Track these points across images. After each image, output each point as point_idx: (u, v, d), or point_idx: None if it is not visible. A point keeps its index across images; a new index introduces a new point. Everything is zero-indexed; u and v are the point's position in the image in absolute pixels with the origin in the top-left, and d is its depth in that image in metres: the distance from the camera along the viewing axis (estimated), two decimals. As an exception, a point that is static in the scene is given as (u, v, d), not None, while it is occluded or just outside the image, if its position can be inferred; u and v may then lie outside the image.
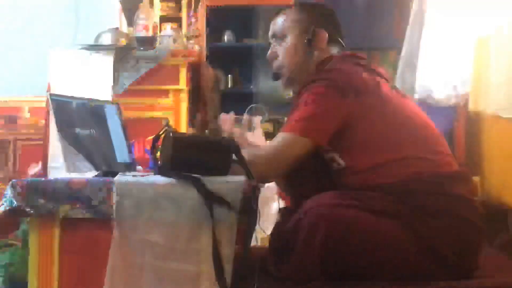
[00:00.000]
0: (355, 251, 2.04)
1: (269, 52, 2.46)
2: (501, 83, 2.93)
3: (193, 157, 2.01)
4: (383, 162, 2.16)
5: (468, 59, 3.35)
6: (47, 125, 3.89)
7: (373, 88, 2.22)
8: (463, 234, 2.10)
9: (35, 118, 4.93)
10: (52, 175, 3.46)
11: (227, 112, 4.74)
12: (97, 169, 2.29)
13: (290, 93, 7.07)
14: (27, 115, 5.03)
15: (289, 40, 2.41)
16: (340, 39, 2.44)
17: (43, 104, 4.18)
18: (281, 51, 2.43)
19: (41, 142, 4.04)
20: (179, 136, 2.05)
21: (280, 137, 2.20)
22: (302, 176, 2.27)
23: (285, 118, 4.22)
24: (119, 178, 2.06)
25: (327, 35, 2.40)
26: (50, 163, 3.79)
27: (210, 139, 2.09)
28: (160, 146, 2.11)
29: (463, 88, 3.34)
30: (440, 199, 2.11)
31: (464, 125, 3.58)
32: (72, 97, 2.43)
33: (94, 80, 3.87)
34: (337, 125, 2.18)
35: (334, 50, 2.42)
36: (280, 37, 2.43)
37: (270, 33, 2.47)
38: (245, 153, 2.10)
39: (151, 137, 2.45)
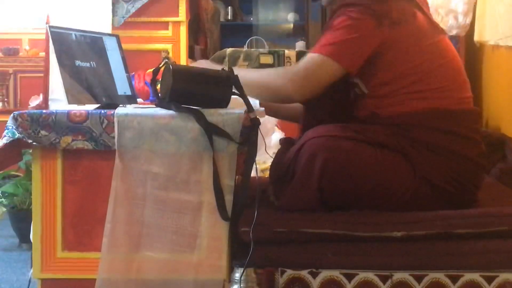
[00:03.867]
0: (352, 180, 2.07)
1: None
2: (503, 12, 2.91)
3: (193, 89, 2.02)
4: (398, 90, 2.14)
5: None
6: (47, 58, 3.87)
7: (409, 18, 2.17)
8: (464, 172, 2.13)
9: (35, 50, 4.90)
10: (53, 107, 3.46)
11: (228, 43, 4.71)
12: (97, 101, 2.30)
13: (290, 25, 7.01)
14: (27, 47, 5.01)
15: None
16: None
17: (43, 36, 4.15)
18: None
19: (42, 75, 4.03)
20: (179, 68, 2.05)
21: (311, 57, 2.15)
22: (319, 98, 2.24)
23: (285, 50, 4.22)
24: (119, 110, 2.07)
25: None
26: (51, 96, 3.78)
27: (210, 71, 2.09)
28: (160, 79, 2.12)
29: (465, 18, 3.32)
30: (444, 136, 2.12)
31: (464, 55, 3.57)
32: (71, 29, 2.42)
33: (93, 12, 3.84)
34: (369, 53, 2.14)
35: None
36: None
37: None
38: (268, 71, 2.08)
39: (151, 70, 2.46)
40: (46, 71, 3.88)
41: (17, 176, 3.65)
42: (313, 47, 2.19)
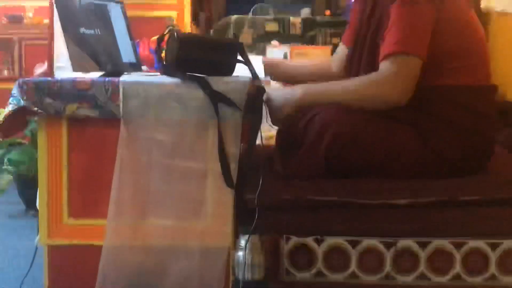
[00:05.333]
0: (360, 152, 2.08)
1: None
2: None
3: (198, 57, 2.02)
4: (430, 66, 2.09)
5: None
6: (51, 25, 3.86)
7: None
8: (476, 148, 2.13)
9: (39, 17, 4.89)
10: (58, 74, 3.46)
11: (233, 10, 4.67)
12: (102, 69, 2.30)
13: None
14: (30, 14, 4.99)
15: None
16: None
17: (47, 3, 4.14)
18: None
19: (46, 42, 4.02)
20: (184, 36, 2.04)
21: (393, 60, 2.07)
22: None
23: (290, 17, 4.19)
24: (124, 78, 2.07)
25: None
26: (56, 63, 3.78)
27: (215, 39, 2.09)
28: (165, 46, 2.11)
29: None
30: (462, 113, 2.12)
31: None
32: (76, -4, 2.41)
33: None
34: (430, 34, 2.09)
35: None
36: None
37: None
38: (353, 83, 2.08)
39: (155, 37, 2.45)
40: (51, 39, 3.88)
41: (23, 143, 3.66)
42: (385, 45, 2.10)
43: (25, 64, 4.87)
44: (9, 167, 3.56)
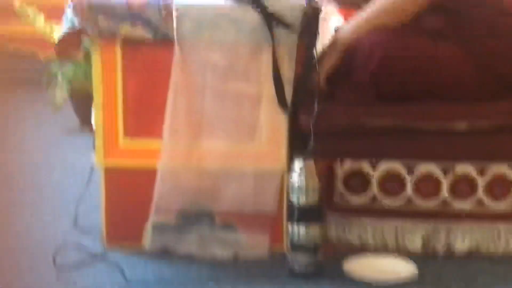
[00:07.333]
0: (410, 72, 2.03)
1: None
2: None
3: (252, -23, 1.97)
4: None
5: None
6: None
7: None
8: None
9: None
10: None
11: None
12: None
13: None
14: None
15: None
16: None
17: None
18: None
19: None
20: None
21: None
22: None
23: None
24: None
25: None
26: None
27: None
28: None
29: None
30: (499, 17, 2.05)
31: None
32: None
33: None
34: None
35: None
36: None
37: None
38: None
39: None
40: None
41: (76, 59, 3.65)
42: None
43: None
44: (64, 84, 3.58)
